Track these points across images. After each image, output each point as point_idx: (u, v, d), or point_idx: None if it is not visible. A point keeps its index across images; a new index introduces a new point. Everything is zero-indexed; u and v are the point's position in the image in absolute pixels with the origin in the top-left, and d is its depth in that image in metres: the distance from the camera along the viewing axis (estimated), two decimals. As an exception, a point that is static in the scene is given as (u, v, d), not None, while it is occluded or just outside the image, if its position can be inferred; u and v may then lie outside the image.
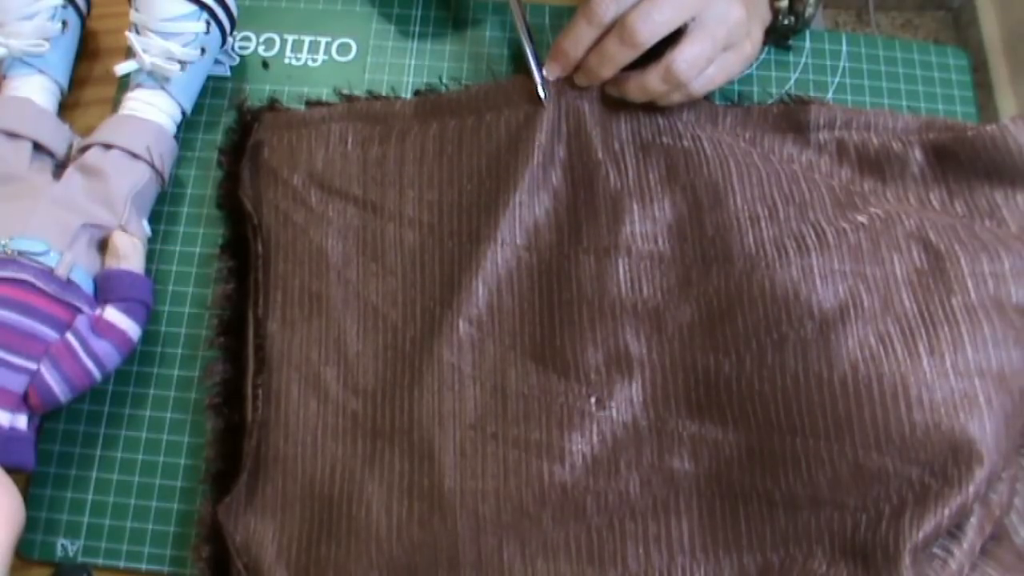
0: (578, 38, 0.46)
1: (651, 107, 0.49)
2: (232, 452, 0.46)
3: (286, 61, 0.55)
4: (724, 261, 0.44)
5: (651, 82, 0.46)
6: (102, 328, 0.44)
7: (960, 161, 0.47)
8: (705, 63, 0.45)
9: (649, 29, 0.44)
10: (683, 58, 0.44)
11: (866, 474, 0.38)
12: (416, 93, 0.53)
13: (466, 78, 0.54)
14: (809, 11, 0.51)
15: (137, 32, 0.49)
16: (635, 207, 0.46)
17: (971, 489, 0.37)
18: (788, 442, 0.40)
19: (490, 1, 0.56)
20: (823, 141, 0.49)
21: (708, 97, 0.51)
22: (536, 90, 0.48)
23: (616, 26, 0.44)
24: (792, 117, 0.50)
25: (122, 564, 0.45)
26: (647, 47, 0.44)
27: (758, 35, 0.49)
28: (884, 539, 0.38)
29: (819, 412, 0.39)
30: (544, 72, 0.48)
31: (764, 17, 0.50)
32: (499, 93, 0.50)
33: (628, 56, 0.45)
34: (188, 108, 0.52)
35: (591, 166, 0.47)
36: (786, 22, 0.51)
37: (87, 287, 0.45)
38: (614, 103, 0.49)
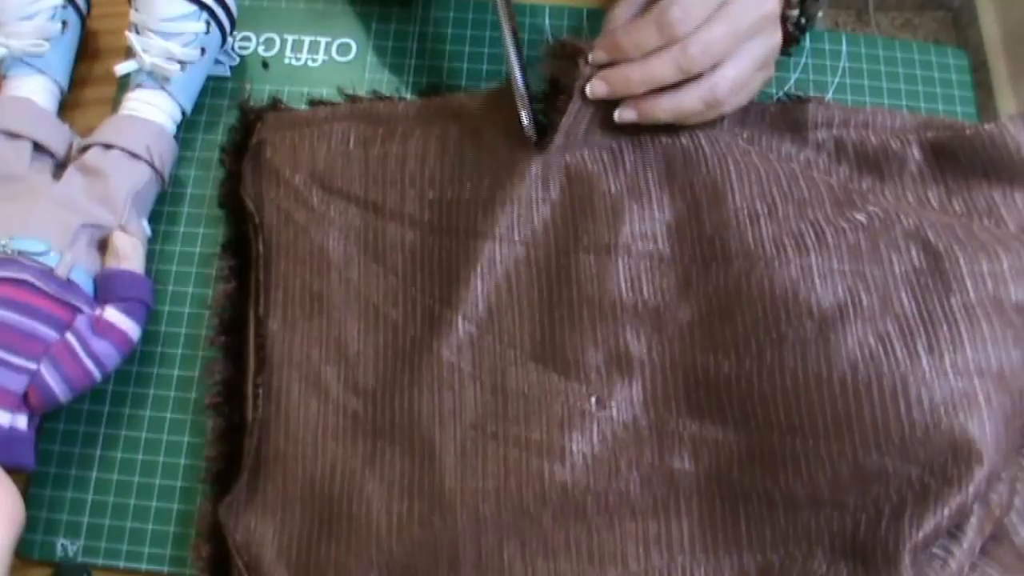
0: (641, 42, 0.43)
1: None
2: (232, 451, 0.46)
3: (286, 61, 0.55)
4: (723, 260, 0.44)
5: (690, 103, 0.44)
6: (102, 328, 0.44)
7: (958, 160, 0.47)
8: (743, 87, 0.45)
9: (707, 61, 0.43)
10: (727, 79, 0.43)
11: (866, 474, 0.38)
12: (418, 93, 0.53)
13: (466, 78, 0.54)
14: (820, 14, 0.51)
15: (137, 32, 0.49)
16: (634, 206, 0.46)
17: (971, 489, 0.37)
18: (788, 442, 0.40)
19: (490, 1, 0.56)
20: (821, 139, 0.49)
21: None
22: (523, 129, 0.46)
23: (675, 47, 0.43)
24: (790, 115, 0.50)
25: (122, 564, 0.46)
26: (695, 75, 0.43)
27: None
28: (884, 539, 0.38)
29: (818, 412, 0.39)
30: (590, 59, 0.45)
31: None
32: (502, 98, 0.50)
33: (672, 79, 0.43)
34: (188, 108, 0.52)
35: (590, 164, 0.47)
36: (792, 28, 0.51)
37: (87, 287, 0.45)
38: (612, 102, 0.49)
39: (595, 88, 0.45)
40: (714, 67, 0.43)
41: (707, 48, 0.42)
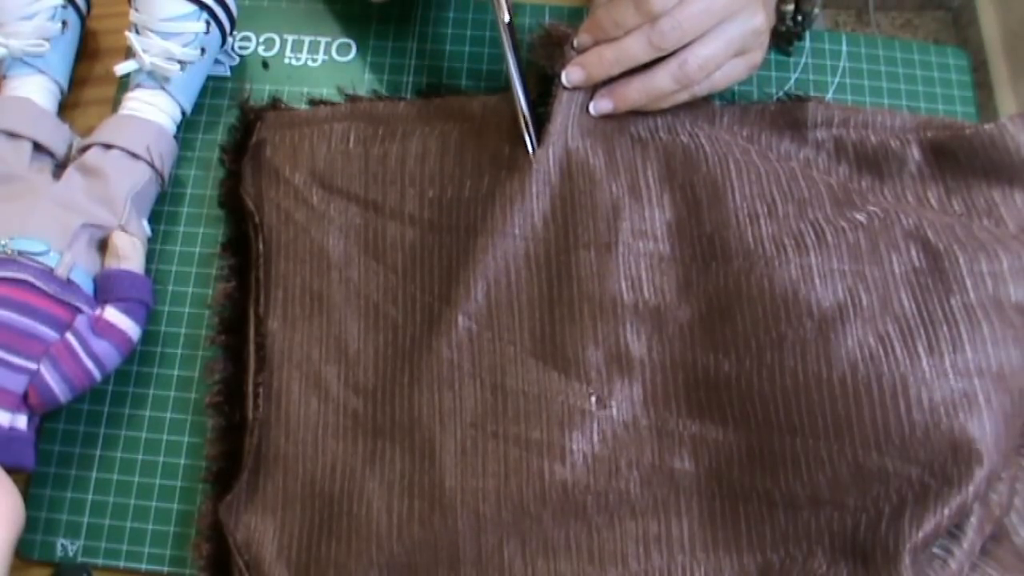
0: (620, 20, 0.44)
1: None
2: (233, 450, 0.46)
3: (286, 61, 0.55)
4: (723, 259, 0.44)
5: (660, 80, 0.45)
6: (102, 328, 0.44)
7: (958, 159, 0.48)
8: (715, 67, 0.45)
9: (677, 37, 0.43)
10: (697, 56, 0.44)
11: (866, 474, 0.38)
12: (418, 93, 0.53)
13: (466, 78, 0.54)
14: (816, 11, 0.51)
15: (137, 32, 0.49)
16: (634, 204, 0.46)
17: (971, 489, 0.37)
18: (788, 442, 0.40)
19: (490, 1, 0.56)
20: (821, 139, 0.49)
21: (707, 97, 0.51)
22: (526, 146, 0.46)
23: (646, 24, 0.43)
24: (789, 115, 0.50)
25: (122, 564, 0.46)
26: (668, 52, 0.44)
27: (766, 42, 0.49)
28: (884, 539, 0.38)
29: (818, 412, 0.39)
30: (575, 43, 0.45)
31: (772, 22, 0.50)
32: (503, 101, 0.50)
33: (644, 57, 0.44)
34: (188, 108, 0.52)
35: (590, 161, 0.47)
36: (791, 25, 0.51)
37: (87, 287, 0.45)
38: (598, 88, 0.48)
39: (571, 75, 0.45)
40: (686, 45, 0.44)
41: (679, 24, 0.43)
